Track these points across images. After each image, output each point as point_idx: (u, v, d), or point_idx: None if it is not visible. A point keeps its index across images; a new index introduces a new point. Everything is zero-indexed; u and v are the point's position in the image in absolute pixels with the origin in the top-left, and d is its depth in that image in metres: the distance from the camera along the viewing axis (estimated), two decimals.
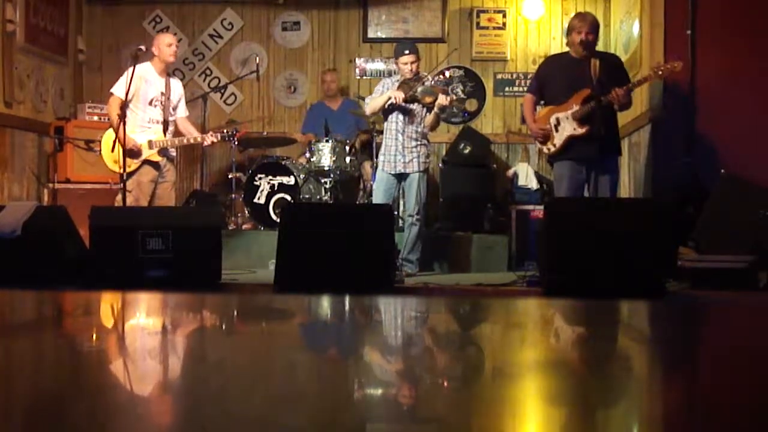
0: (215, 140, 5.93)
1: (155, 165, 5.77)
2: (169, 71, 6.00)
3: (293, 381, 1.87)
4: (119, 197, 5.64)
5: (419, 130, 5.75)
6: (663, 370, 2.17)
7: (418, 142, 5.75)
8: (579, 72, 5.22)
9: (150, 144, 5.73)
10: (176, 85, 6.01)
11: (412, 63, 5.68)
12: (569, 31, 5.42)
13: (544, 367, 2.10)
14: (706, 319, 3.88)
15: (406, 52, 5.70)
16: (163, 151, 5.80)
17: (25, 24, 6.69)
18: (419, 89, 5.61)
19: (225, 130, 6.16)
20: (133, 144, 5.61)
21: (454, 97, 6.13)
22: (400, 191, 5.92)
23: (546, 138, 5.32)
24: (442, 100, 5.54)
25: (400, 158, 5.72)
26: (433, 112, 5.65)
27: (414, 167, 5.72)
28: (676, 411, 1.60)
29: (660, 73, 5.12)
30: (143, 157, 5.70)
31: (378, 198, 5.78)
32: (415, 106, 5.70)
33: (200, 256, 4.69)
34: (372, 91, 6.02)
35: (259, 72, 7.06)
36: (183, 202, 7.00)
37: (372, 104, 5.80)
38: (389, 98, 5.62)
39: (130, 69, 5.58)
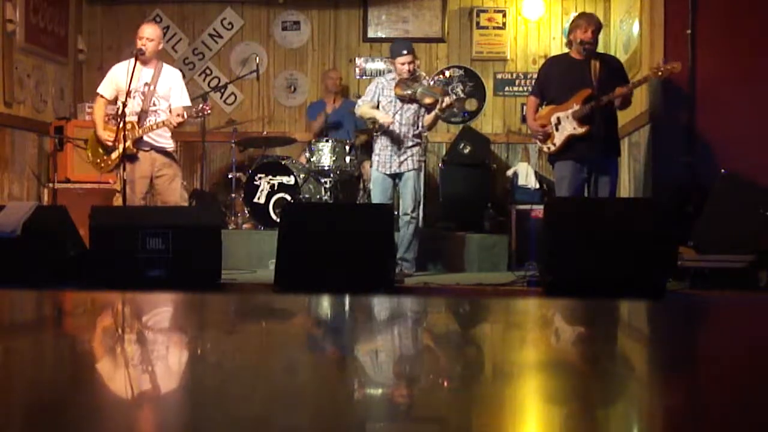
0: (182, 120, 5.53)
1: (131, 157, 5.46)
2: (160, 60, 5.68)
3: (293, 381, 1.87)
4: (115, 197, 5.60)
5: (416, 131, 5.76)
6: (663, 370, 2.17)
7: (413, 142, 5.77)
8: (579, 73, 5.22)
9: (117, 138, 5.42)
10: (168, 74, 5.65)
11: (409, 63, 5.66)
12: (572, 29, 5.38)
13: (544, 366, 2.10)
14: (705, 319, 3.88)
15: (404, 52, 5.67)
16: (138, 142, 5.48)
17: (25, 24, 6.69)
18: (419, 90, 5.61)
19: (193, 108, 5.71)
20: (104, 139, 5.49)
21: (455, 97, 6.11)
22: (397, 190, 5.92)
23: (546, 137, 5.34)
24: (446, 101, 5.55)
25: (395, 158, 5.74)
26: (433, 113, 5.65)
27: (409, 165, 5.74)
28: (676, 411, 1.60)
29: (660, 73, 5.12)
30: (118, 151, 5.44)
31: (375, 198, 5.79)
32: (413, 107, 5.70)
33: (200, 256, 4.69)
34: None
35: (259, 72, 7.06)
36: None
37: (362, 111, 5.86)
38: (379, 121, 5.66)
39: (114, 68, 5.59)
